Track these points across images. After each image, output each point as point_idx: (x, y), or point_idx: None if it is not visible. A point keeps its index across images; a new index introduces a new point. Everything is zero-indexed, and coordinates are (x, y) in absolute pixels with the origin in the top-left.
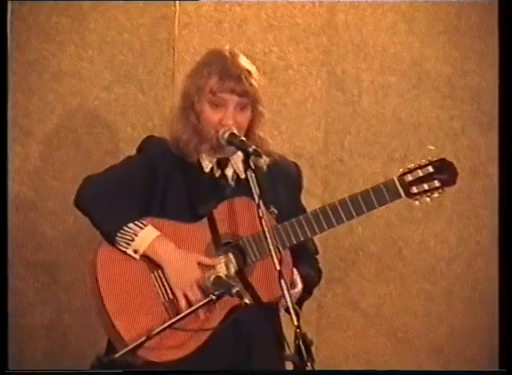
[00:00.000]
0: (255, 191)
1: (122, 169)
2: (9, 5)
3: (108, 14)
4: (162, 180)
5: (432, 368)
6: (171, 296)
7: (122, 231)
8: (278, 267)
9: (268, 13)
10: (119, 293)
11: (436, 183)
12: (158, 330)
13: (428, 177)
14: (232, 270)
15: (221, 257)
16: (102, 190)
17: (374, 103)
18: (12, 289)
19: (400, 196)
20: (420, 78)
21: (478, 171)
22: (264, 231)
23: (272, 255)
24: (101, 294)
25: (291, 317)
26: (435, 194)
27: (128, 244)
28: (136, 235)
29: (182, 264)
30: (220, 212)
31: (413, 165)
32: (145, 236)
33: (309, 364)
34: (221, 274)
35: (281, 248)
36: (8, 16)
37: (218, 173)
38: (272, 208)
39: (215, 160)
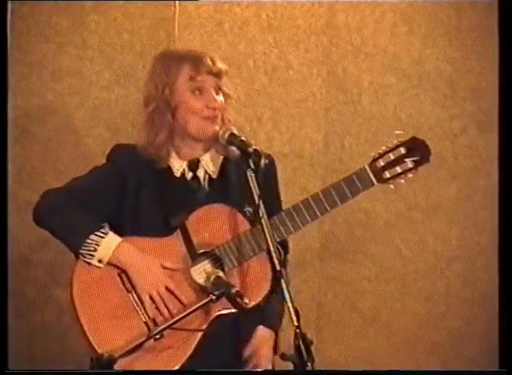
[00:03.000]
0: (255, 191)
1: (85, 181)
2: (9, 5)
3: (108, 15)
4: (132, 192)
5: (432, 368)
6: (151, 315)
7: (85, 244)
8: (278, 267)
9: (268, 14)
10: (97, 315)
11: (409, 165)
12: (159, 329)
13: (400, 159)
14: (211, 279)
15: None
16: (60, 203)
17: (374, 103)
18: (12, 289)
19: (372, 183)
20: (420, 78)
21: (478, 171)
22: (264, 232)
23: (271, 256)
24: (79, 318)
25: (291, 317)
26: (409, 175)
27: (91, 255)
28: (98, 245)
29: (145, 266)
30: (192, 222)
31: (384, 148)
32: (107, 245)
33: (309, 364)
34: (221, 274)
35: (257, 251)
36: (8, 16)
37: (189, 176)
38: (247, 207)
39: (185, 163)
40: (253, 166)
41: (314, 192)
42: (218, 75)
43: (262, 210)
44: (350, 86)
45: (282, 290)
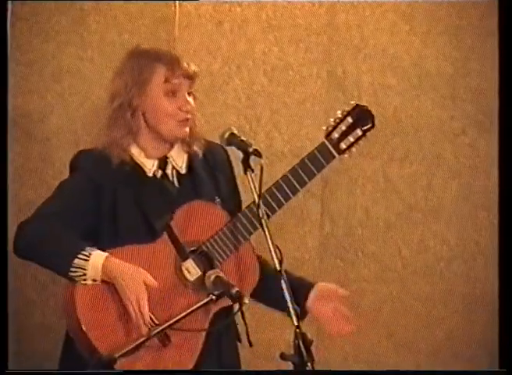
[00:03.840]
0: (255, 191)
1: (57, 201)
2: (9, 5)
3: (108, 14)
4: (108, 198)
5: (432, 368)
6: (156, 322)
7: (72, 269)
8: (278, 267)
9: (268, 14)
10: (100, 323)
11: (359, 132)
12: (159, 329)
13: (350, 129)
14: (195, 276)
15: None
16: (36, 233)
17: (374, 103)
18: (12, 289)
19: (333, 156)
20: (420, 78)
21: (478, 171)
22: (264, 232)
23: (272, 256)
24: (82, 329)
25: (291, 317)
26: (360, 142)
27: (84, 279)
28: (85, 269)
29: (128, 278)
30: (177, 222)
31: (333, 120)
32: (94, 266)
33: (309, 364)
34: (221, 274)
35: (243, 241)
36: (9, 16)
37: (159, 174)
38: (217, 199)
39: (156, 162)
40: (253, 166)
41: (282, 175)
42: (192, 78)
43: (262, 210)
44: (349, 86)
45: (282, 290)
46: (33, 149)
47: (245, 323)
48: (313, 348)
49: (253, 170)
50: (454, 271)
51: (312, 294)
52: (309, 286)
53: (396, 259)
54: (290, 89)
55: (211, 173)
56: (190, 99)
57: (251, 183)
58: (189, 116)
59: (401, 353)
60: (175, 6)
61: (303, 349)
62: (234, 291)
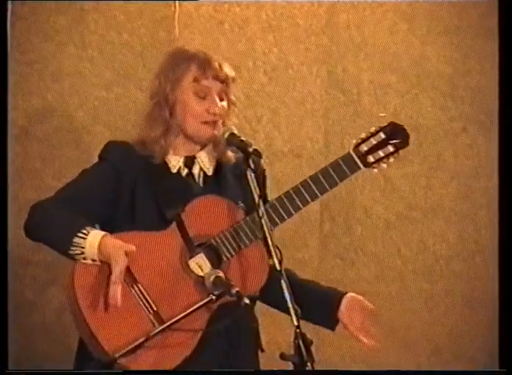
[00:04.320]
0: (255, 191)
1: (75, 186)
2: (9, 5)
3: (108, 14)
4: (128, 190)
5: (432, 368)
6: (154, 308)
7: (72, 248)
8: (278, 267)
9: (267, 13)
10: (100, 310)
11: (391, 149)
12: (158, 330)
13: (381, 144)
14: (207, 270)
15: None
16: (46, 215)
17: (374, 103)
18: (12, 289)
19: (358, 167)
20: (420, 78)
21: (478, 171)
22: (264, 231)
23: (272, 256)
24: (83, 314)
25: (291, 317)
26: (391, 160)
27: (84, 258)
28: (83, 247)
29: (115, 251)
30: (188, 214)
31: (364, 134)
32: (91, 244)
33: (309, 364)
34: (221, 274)
35: (254, 239)
36: (8, 16)
37: (184, 172)
38: (241, 204)
39: (181, 160)
40: (253, 166)
41: (303, 180)
42: (224, 81)
43: (262, 210)
44: (349, 86)
45: (282, 289)
46: (33, 149)
47: (257, 326)
48: (313, 348)
49: (253, 170)
50: (454, 270)
51: (343, 303)
52: (341, 294)
53: (396, 259)
54: (290, 89)
55: (239, 179)
56: (223, 103)
57: (251, 183)
58: (217, 118)
59: (401, 353)
60: (175, 6)
61: (303, 349)
62: (234, 291)
